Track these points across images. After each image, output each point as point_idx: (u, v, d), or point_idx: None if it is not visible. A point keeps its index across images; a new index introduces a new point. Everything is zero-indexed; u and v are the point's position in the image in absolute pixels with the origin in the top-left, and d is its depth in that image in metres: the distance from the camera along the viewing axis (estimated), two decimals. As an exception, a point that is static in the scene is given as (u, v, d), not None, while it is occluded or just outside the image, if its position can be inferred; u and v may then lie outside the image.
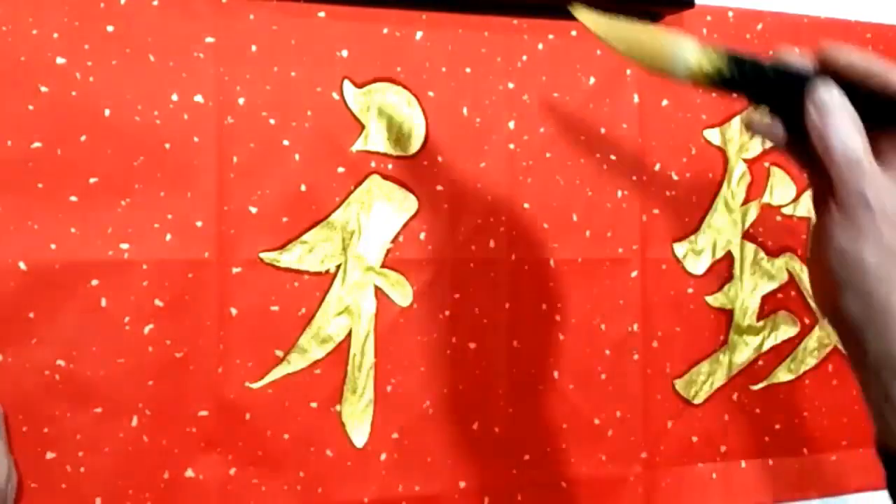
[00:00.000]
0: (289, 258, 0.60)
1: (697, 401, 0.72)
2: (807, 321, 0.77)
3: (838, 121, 0.40)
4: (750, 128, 0.46)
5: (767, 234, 0.75)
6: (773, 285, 0.75)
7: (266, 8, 0.60)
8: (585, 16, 0.48)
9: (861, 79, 0.41)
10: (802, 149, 0.43)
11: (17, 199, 0.54)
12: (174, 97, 0.57)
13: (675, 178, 0.72)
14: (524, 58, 0.67)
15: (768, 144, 0.46)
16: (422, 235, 0.64)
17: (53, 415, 0.55)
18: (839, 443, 0.77)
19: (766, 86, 0.45)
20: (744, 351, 0.74)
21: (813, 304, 0.77)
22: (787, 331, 0.76)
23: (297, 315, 0.60)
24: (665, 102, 0.71)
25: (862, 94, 0.41)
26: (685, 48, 0.45)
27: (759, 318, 0.75)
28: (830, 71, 0.42)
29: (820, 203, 0.42)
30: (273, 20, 0.60)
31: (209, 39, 0.58)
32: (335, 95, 0.61)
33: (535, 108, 0.67)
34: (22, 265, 0.54)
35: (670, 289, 0.71)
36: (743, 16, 0.74)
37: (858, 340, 0.41)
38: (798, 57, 0.43)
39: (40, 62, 0.55)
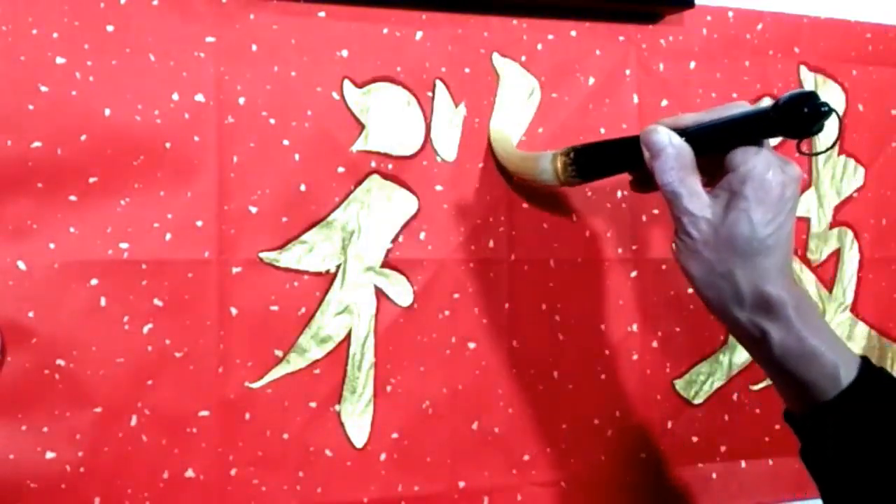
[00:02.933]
0: (288, 258, 0.60)
1: (697, 401, 0.72)
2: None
3: (662, 158, 0.49)
4: (635, 190, 0.57)
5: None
6: (773, 285, 0.75)
7: (266, 8, 0.60)
8: (495, 140, 0.64)
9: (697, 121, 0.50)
10: None
11: (17, 199, 0.54)
12: (174, 97, 0.57)
13: (675, 178, 0.72)
14: (524, 58, 0.67)
15: None
16: (422, 235, 0.64)
17: (53, 415, 0.55)
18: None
19: (615, 160, 0.56)
20: (744, 351, 0.74)
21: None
22: (787, 331, 0.76)
23: (296, 315, 0.60)
24: (665, 102, 0.71)
25: (693, 130, 0.49)
26: (544, 157, 0.58)
27: (759, 318, 0.75)
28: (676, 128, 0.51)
29: None
30: (273, 20, 0.60)
31: (209, 39, 0.58)
32: (335, 95, 0.61)
33: (535, 108, 0.67)
34: (22, 265, 0.54)
35: (670, 289, 0.71)
36: (743, 16, 0.74)
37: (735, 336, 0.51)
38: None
39: (40, 62, 0.55)
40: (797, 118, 0.46)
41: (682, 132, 0.49)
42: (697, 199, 0.48)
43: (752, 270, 0.47)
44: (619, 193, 0.69)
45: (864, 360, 0.48)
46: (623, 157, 0.54)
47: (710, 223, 0.47)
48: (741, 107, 0.49)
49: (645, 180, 0.54)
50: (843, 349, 0.48)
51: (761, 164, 0.47)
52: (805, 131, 0.47)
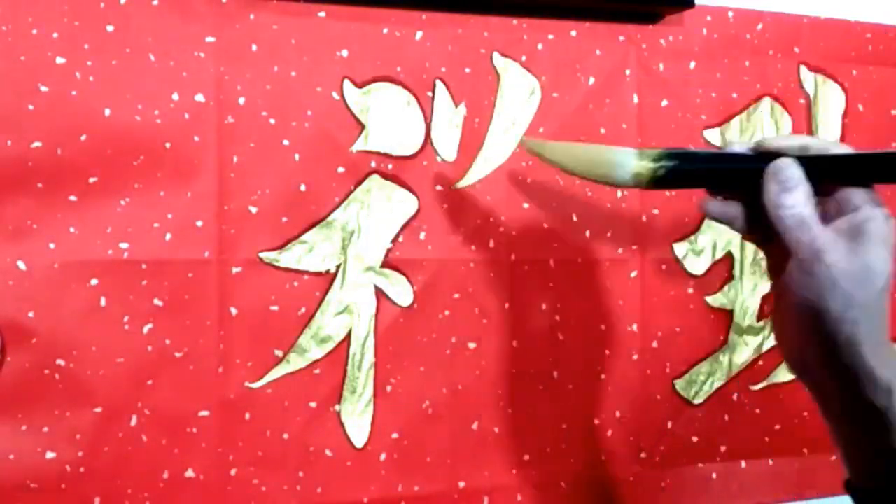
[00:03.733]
0: (288, 258, 0.60)
1: (697, 401, 0.72)
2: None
3: (796, 191, 0.45)
4: (706, 213, 0.51)
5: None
6: (773, 285, 0.75)
7: (266, 8, 0.60)
8: (535, 145, 0.54)
9: (797, 153, 0.46)
10: (758, 227, 0.48)
11: (17, 199, 0.54)
12: (174, 97, 0.57)
13: (675, 178, 0.72)
14: (524, 58, 0.67)
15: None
16: (422, 235, 0.64)
17: (53, 415, 0.55)
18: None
19: (707, 178, 0.50)
20: (744, 351, 0.74)
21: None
22: (787, 331, 0.76)
23: (296, 315, 0.60)
24: (665, 102, 0.71)
25: (807, 163, 0.46)
26: (625, 159, 0.50)
27: (759, 319, 0.75)
28: (767, 154, 0.47)
29: (778, 271, 0.46)
30: (273, 20, 0.60)
31: (209, 39, 0.58)
32: (335, 95, 0.61)
33: (536, 108, 0.67)
34: (22, 265, 0.54)
35: (670, 289, 0.71)
36: (743, 16, 0.74)
37: (827, 387, 0.45)
38: (740, 145, 0.49)
39: (40, 62, 0.55)
40: None
41: (804, 161, 0.46)
42: (825, 228, 0.44)
43: (886, 311, 0.43)
44: (619, 193, 0.69)
45: None
46: (724, 178, 0.50)
47: (844, 249, 0.43)
48: (842, 147, 0.47)
49: (749, 208, 0.49)
50: None
51: (880, 210, 0.45)
52: None
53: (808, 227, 0.44)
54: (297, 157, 0.60)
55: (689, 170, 0.50)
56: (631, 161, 0.50)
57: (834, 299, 0.43)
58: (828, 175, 0.46)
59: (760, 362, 0.75)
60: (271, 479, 0.60)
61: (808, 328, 0.44)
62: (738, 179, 0.48)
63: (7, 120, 0.54)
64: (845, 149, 0.47)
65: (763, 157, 0.47)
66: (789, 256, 0.45)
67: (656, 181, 0.50)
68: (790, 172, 0.45)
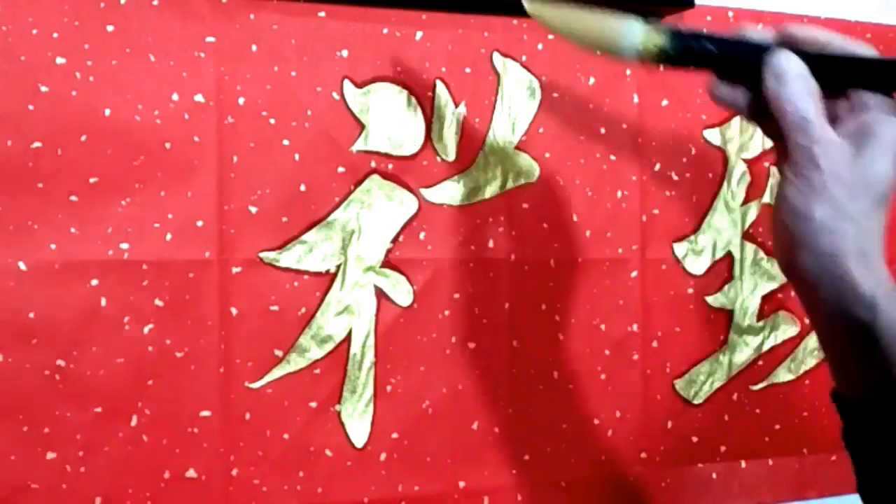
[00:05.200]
0: (288, 258, 0.60)
1: (697, 401, 0.72)
2: (807, 321, 0.77)
3: (792, 86, 0.42)
4: (713, 96, 0.47)
5: (767, 234, 0.75)
6: (773, 285, 0.75)
7: (266, 8, 0.60)
8: (536, 7, 0.50)
9: (820, 48, 0.43)
10: (764, 117, 0.45)
11: (17, 199, 0.54)
12: (174, 97, 0.57)
13: (675, 178, 0.72)
14: (524, 58, 0.67)
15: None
16: (422, 235, 0.64)
17: (53, 415, 0.55)
18: (839, 443, 0.77)
19: (714, 60, 0.47)
20: (744, 351, 0.74)
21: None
22: (787, 331, 0.76)
23: (296, 315, 0.60)
24: (665, 102, 0.71)
25: (820, 61, 0.43)
26: (631, 30, 0.47)
27: (759, 319, 0.75)
28: (789, 44, 0.44)
29: (781, 167, 0.44)
30: (273, 20, 0.60)
31: (209, 39, 0.58)
32: (335, 95, 0.61)
33: (536, 108, 0.67)
34: (22, 265, 0.54)
35: (670, 289, 0.71)
36: (743, 16, 0.74)
37: (812, 294, 0.43)
38: (758, 31, 0.45)
39: (40, 62, 0.55)
40: None
41: (807, 58, 0.44)
42: (828, 129, 0.42)
43: (883, 222, 0.41)
44: (619, 193, 0.69)
45: None
46: (731, 64, 0.47)
47: (844, 154, 0.41)
48: (867, 48, 0.44)
49: (756, 98, 0.46)
50: None
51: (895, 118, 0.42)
52: None
53: (805, 127, 0.42)
54: (297, 157, 0.60)
55: (698, 51, 0.47)
56: (639, 35, 0.47)
57: (823, 208, 0.41)
58: (844, 77, 0.43)
59: (760, 362, 0.75)
60: (272, 479, 0.60)
61: (795, 233, 0.42)
62: (745, 67, 0.46)
63: (7, 120, 0.54)
64: (869, 51, 0.44)
65: (779, 48, 0.44)
66: None
67: (662, 57, 0.47)
68: (787, 66, 0.43)
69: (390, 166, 0.63)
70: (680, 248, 0.72)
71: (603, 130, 0.69)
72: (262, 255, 0.59)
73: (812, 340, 0.76)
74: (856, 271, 0.41)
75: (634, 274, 0.70)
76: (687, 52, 0.47)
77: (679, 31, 0.48)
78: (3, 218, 0.54)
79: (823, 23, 0.76)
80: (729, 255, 0.74)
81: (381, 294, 0.63)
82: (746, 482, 0.73)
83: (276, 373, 0.60)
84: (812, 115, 0.42)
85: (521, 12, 0.66)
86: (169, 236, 0.57)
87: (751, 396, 0.74)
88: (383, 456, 0.63)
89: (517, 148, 0.66)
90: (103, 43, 0.56)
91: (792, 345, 0.76)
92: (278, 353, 0.60)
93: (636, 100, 0.70)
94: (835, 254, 0.41)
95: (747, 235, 0.74)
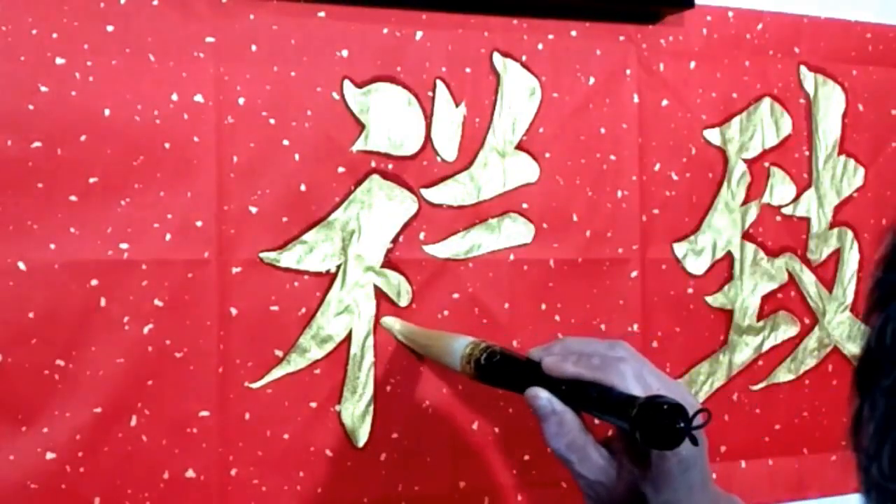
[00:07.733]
0: (289, 258, 0.60)
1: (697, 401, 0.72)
2: (807, 321, 0.77)
3: (546, 426, 0.45)
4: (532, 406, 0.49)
5: (767, 234, 0.75)
6: (773, 285, 0.75)
7: (266, 8, 0.60)
8: (391, 323, 0.62)
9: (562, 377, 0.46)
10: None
11: (17, 199, 0.54)
12: (174, 97, 0.57)
13: (675, 178, 0.72)
14: (524, 58, 0.67)
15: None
16: (422, 235, 0.64)
17: (53, 415, 0.55)
18: (839, 443, 0.77)
19: (508, 384, 0.51)
20: (744, 351, 0.74)
21: (812, 304, 0.77)
22: (787, 331, 0.76)
23: (296, 315, 0.60)
24: (665, 102, 0.71)
25: (572, 387, 0.45)
26: (460, 346, 0.54)
27: (759, 318, 0.75)
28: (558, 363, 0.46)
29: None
30: (273, 20, 0.60)
31: (209, 39, 0.58)
32: (335, 95, 0.61)
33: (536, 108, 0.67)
34: (22, 265, 0.54)
35: (670, 289, 0.71)
36: (743, 16, 0.74)
37: None
38: (538, 350, 0.48)
39: (40, 62, 0.54)
40: (651, 429, 0.39)
41: (560, 387, 0.45)
42: (588, 463, 0.45)
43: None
44: (619, 193, 0.69)
45: None
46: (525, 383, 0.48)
47: (604, 486, 0.45)
48: (622, 365, 0.46)
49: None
50: None
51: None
52: (658, 444, 0.40)
53: (568, 463, 0.45)
54: (297, 157, 0.60)
55: (500, 371, 0.51)
56: (462, 349, 0.53)
57: None
58: (589, 404, 0.45)
59: (760, 362, 0.75)
60: (271, 480, 0.59)
61: None
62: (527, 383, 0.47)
63: (7, 120, 0.54)
64: (579, 369, 0.45)
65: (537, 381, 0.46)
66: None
67: (476, 376, 0.52)
68: (537, 404, 0.45)
69: (390, 166, 0.63)
70: (680, 248, 0.72)
71: (603, 130, 0.69)
72: (262, 255, 0.59)
73: (812, 340, 0.76)
74: None
75: (634, 274, 0.70)
76: (492, 370, 0.51)
77: (496, 352, 0.52)
78: (3, 218, 0.54)
79: (824, 23, 0.77)
80: (729, 255, 0.74)
81: (381, 294, 0.63)
82: (746, 482, 0.73)
83: (276, 373, 0.60)
84: (567, 453, 0.45)
85: (521, 12, 0.67)
86: (168, 236, 0.57)
87: (751, 396, 0.74)
88: (383, 456, 0.63)
89: (517, 148, 0.66)
90: (103, 43, 0.56)
91: (792, 345, 0.76)
92: (278, 353, 0.60)
93: (636, 99, 0.70)
94: None
95: (747, 235, 0.74)
